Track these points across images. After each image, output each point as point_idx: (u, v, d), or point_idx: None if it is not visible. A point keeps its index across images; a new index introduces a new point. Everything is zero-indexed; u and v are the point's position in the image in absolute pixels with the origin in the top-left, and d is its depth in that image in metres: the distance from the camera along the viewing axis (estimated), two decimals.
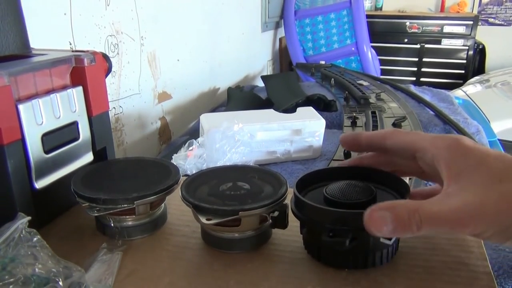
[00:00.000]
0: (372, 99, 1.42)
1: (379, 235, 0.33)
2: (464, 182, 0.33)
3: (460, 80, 3.05)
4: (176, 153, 0.91)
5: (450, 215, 0.31)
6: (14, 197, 0.46)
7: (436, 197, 0.33)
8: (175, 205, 0.54)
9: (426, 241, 0.47)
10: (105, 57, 0.58)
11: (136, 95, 1.19)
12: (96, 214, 0.46)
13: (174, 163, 0.55)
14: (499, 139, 1.40)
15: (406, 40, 3.23)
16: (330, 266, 0.42)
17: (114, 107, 1.10)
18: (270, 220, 0.45)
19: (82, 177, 0.50)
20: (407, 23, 3.23)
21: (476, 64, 3.27)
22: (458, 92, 2.37)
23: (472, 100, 2.11)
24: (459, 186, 0.32)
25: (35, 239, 0.39)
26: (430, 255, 0.44)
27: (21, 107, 0.46)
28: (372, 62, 2.43)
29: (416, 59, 3.25)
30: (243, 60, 2.06)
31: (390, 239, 0.38)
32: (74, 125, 0.53)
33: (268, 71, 2.49)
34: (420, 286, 0.40)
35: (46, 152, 0.49)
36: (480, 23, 3.30)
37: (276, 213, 0.45)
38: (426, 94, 1.60)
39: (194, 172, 0.74)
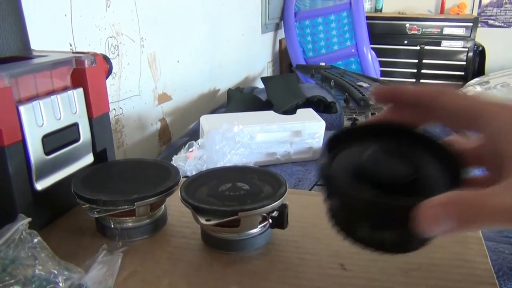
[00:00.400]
0: (372, 101, 1.42)
1: (431, 235, 0.27)
2: None
3: (459, 82, 3.05)
4: (176, 155, 0.91)
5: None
6: (14, 198, 0.46)
7: (503, 185, 0.26)
8: (175, 206, 0.54)
9: None
10: (106, 59, 0.58)
11: (136, 96, 1.19)
12: (96, 216, 0.46)
13: (174, 165, 0.55)
14: None
15: (406, 41, 3.24)
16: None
17: (114, 109, 1.10)
18: (270, 220, 0.45)
19: (83, 179, 0.50)
20: (407, 25, 3.23)
21: (475, 65, 3.27)
22: None
23: None
24: None
25: (35, 240, 0.39)
26: (430, 252, 0.44)
27: (21, 108, 0.46)
28: (372, 63, 2.43)
29: (416, 61, 3.25)
30: (243, 61, 2.06)
31: None
32: (74, 126, 0.54)
33: (268, 72, 2.49)
34: (419, 283, 0.40)
35: (47, 153, 0.50)
36: (480, 25, 3.30)
37: (275, 213, 0.45)
38: None
39: (194, 173, 0.74)
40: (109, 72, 0.59)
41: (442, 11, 3.46)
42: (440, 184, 0.33)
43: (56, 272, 0.37)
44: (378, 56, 2.64)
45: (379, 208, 0.30)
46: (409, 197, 0.30)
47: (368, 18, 2.50)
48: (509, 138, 0.27)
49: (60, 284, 0.36)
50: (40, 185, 0.49)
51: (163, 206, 0.52)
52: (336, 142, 0.35)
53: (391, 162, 0.33)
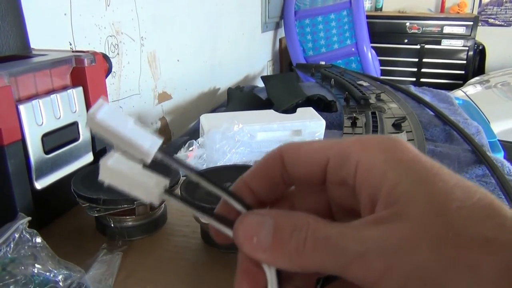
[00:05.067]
0: (372, 100, 1.42)
1: (245, 251, 0.21)
2: (404, 206, 0.19)
3: (460, 81, 3.05)
4: (176, 154, 0.91)
5: (359, 244, 0.18)
6: (14, 197, 0.46)
7: (355, 222, 0.20)
8: (175, 205, 0.54)
9: None
10: (105, 58, 0.58)
11: (136, 95, 1.19)
12: (96, 215, 0.46)
13: None
14: (499, 140, 1.40)
15: (406, 40, 3.23)
16: None
17: None
18: None
19: (82, 178, 0.50)
20: (407, 24, 3.23)
21: (476, 64, 3.27)
22: (458, 93, 2.37)
23: (472, 101, 2.10)
24: (395, 211, 0.19)
25: (35, 239, 0.39)
26: None
27: (21, 107, 0.46)
28: (372, 62, 2.43)
29: (416, 60, 3.25)
30: (243, 60, 2.06)
31: None
32: (74, 125, 0.54)
33: (268, 71, 2.49)
34: None
35: (47, 152, 0.50)
36: (480, 24, 3.30)
37: None
38: (426, 95, 1.60)
39: None
40: (108, 71, 0.59)
41: (442, 10, 3.45)
42: None
43: (56, 271, 0.37)
44: (378, 55, 2.64)
45: None
46: None
47: (368, 17, 2.50)
48: (373, 173, 0.20)
49: (60, 283, 0.36)
50: (39, 184, 0.49)
51: (163, 205, 0.52)
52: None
53: None
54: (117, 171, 0.22)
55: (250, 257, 0.21)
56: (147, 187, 0.23)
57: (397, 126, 1.17)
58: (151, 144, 0.22)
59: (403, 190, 0.19)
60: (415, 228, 0.18)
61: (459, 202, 0.18)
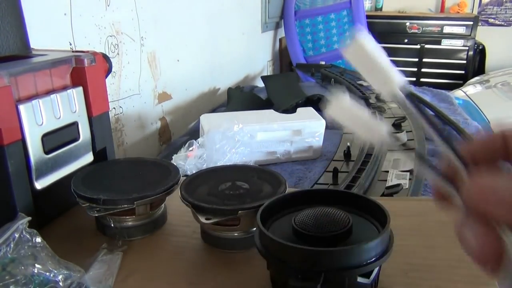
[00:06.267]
0: (372, 100, 1.42)
1: (482, 206, 0.21)
2: None
3: (460, 81, 3.05)
4: (176, 154, 0.91)
5: None
6: (14, 197, 0.46)
7: None
8: (175, 205, 0.54)
9: (425, 239, 0.47)
10: (105, 58, 0.58)
11: (136, 95, 1.19)
12: (96, 215, 0.46)
13: (174, 164, 0.55)
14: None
15: (406, 40, 3.23)
16: None
17: (114, 108, 1.10)
18: None
19: (82, 178, 0.50)
20: (407, 24, 3.22)
21: (476, 64, 3.26)
22: (458, 93, 2.37)
23: (472, 101, 2.10)
24: None
25: (35, 239, 0.39)
26: (430, 253, 0.44)
27: (21, 107, 0.46)
28: None
29: (416, 60, 3.24)
30: (243, 60, 2.06)
31: (368, 277, 0.34)
32: (74, 125, 0.54)
33: (268, 71, 2.49)
34: (420, 284, 0.40)
35: (46, 152, 0.50)
36: (480, 24, 3.30)
37: None
38: (426, 95, 1.60)
39: (194, 172, 0.74)
40: (108, 71, 0.59)
41: (442, 9, 3.45)
42: (368, 234, 0.37)
43: (56, 271, 0.37)
44: None
45: (307, 254, 0.33)
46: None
47: (368, 17, 2.50)
48: None
49: (60, 283, 0.36)
50: (40, 184, 0.49)
51: (163, 205, 0.52)
52: (270, 211, 0.40)
53: (324, 218, 0.36)
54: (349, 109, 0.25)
55: (487, 212, 0.21)
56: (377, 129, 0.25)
57: (397, 126, 1.17)
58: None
59: None
60: None
61: None
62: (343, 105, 0.25)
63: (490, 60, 3.31)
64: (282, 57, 2.65)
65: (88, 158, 0.57)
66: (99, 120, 0.57)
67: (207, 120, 0.96)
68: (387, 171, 0.89)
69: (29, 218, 0.40)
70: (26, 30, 0.53)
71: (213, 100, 1.70)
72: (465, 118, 1.33)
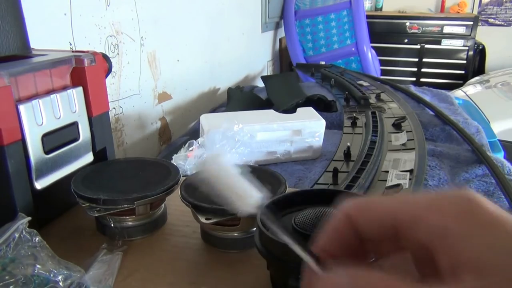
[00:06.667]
0: (372, 100, 1.42)
1: None
2: (493, 278, 0.18)
3: (460, 81, 3.05)
4: (176, 154, 0.91)
5: None
6: (14, 197, 0.46)
7: None
8: (175, 205, 0.54)
9: None
10: (105, 58, 0.58)
11: (136, 95, 1.19)
12: (96, 215, 0.46)
13: (174, 164, 0.55)
14: (499, 140, 1.40)
15: (406, 40, 3.23)
16: None
17: (114, 108, 1.10)
18: None
19: (82, 178, 0.50)
20: (407, 24, 3.23)
21: (476, 64, 3.27)
22: (458, 93, 2.37)
23: (472, 101, 2.10)
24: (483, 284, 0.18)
25: (35, 239, 0.39)
26: None
27: (21, 107, 0.46)
28: (372, 62, 2.42)
29: (416, 60, 3.25)
30: (243, 60, 2.06)
31: None
32: (74, 125, 0.54)
33: (268, 71, 2.49)
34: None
35: (46, 152, 0.50)
36: (480, 24, 3.30)
37: None
38: (426, 95, 1.60)
39: (194, 172, 0.74)
40: (108, 71, 0.59)
41: (442, 9, 3.45)
42: None
43: (56, 271, 0.37)
44: (378, 55, 2.64)
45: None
46: None
47: (368, 16, 2.50)
48: (448, 240, 0.20)
49: (60, 283, 0.36)
50: (39, 184, 0.49)
51: (163, 205, 0.52)
52: (270, 211, 0.39)
53: (324, 218, 0.36)
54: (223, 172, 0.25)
55: None
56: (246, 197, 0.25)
57: (397, 126, 1.17)
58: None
59: (489, 262, 0.18)
60: None
61: None
62: (220, 164, 0.26)
63: (490, 60, 3.31)
64: (282, 57, 2.65)
65: (88, 158, 0.57)
66: (99, 120, 0.57)
67: (207, 120, 0.96)
68: (387, 171, 0.89)
69: (29, 218, 0.40)
70: (26, 30, 0.53)
71: (213, 100, 1.70)
72: (465, 118, 1.33)
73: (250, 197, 0.24)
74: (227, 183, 0.25)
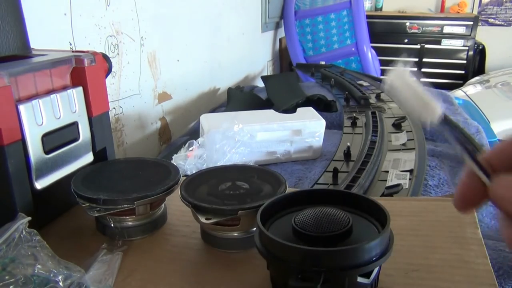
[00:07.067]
0: (372, 100, 1.42)
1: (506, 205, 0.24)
2: None
3: (460, 81, 3.05)
4: (176, 154, 0.91)
5: None
6: (14, 197, 0.46)
7: None
8: (175, 205, 0.54)
9: (425, 239, 0.47)
10: (105, 58, 0.58)
11: (136, 95, 1.19)
12: (96, 215, 0.46)
13: (174, 164, 0.55)
14: (499, 140, 1.40)
15: (406, 40, 3.23)
16: None
17: (114, 108, 1.10)
18: None
19: (82, 178, 0.50)
20: (407, 24, 3.22)
21: (476, 64, 3.26)
22: (458, 93, 2.37)
23: (472, 101, 2.10)
24: None
25: (35, 239, 0.39)
26: (430, 253, 0.44)
27: (21, 107, 0.46)
28: (372, 62, 2.42)
29: (416, 60, 3.24)
30: (243, 60, 2.06)
31: (368, 277, 0.34)
32: (74, 125, 0.54)
33: (268, 71, 2.49)
34: (420, 284, 0.40)
35: (46, 152, 0.50)
36: (480, 24, 3.30)
37: None
38: None
39: (194, 172, 0.74)
40: (108, 71, 0.59)
41: (442, 9, 3.45)
42: (368, 234, 0.37)
43: (56, 271, 0.37)
44: (378, 54, 2.64)
45: (307, 254, 0.33)
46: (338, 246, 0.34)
47: (368, 16, 2.50)
48: None
49: (60, 283, 0.36)
50: (39, 184, 0.49)
51: (163, 205, 0.52)
52: (269, 211, 0.41)
53: (324, 218, 0.36)
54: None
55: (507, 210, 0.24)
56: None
57: (397, 126, 1.17)
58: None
59: None
60: None
61: None
62: (403, 77, 0.27)
63: (490, 60, 3.31)
64: (282, 57, 2.65)
65: (88, 158, 0.57)
66: (99, 120, 0.57)
67: (207, 120, 0.96)
68: (387, 171, 0.89)
69: (29, 218, 0.40)
70: (26, 30, 0.53)
71: (213, 100, 1.70)
72: (465, 118, 1.33)
73: (435, 107, 0.26)
74: (414, 92, 0.27)
